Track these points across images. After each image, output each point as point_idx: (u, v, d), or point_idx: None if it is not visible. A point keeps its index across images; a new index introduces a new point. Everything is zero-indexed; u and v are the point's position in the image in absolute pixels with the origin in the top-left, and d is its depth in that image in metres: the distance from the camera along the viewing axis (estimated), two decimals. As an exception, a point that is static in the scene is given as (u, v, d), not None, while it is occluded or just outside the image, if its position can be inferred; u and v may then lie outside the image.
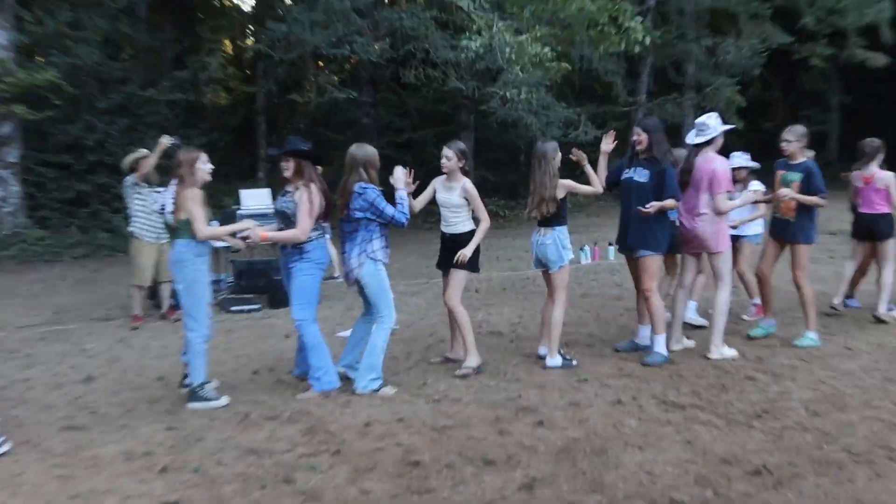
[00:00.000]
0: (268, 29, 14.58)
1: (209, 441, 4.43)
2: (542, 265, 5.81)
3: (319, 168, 5.42)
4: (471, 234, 5.67)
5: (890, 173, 6.92)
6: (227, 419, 4.83)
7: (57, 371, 6.19)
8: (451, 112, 22.44)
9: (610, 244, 11.88)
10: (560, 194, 5.65)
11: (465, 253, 5.56)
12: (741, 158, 7.09)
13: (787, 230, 6.32)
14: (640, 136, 5.82)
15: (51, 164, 16.49)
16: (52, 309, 9.41)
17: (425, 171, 20.99)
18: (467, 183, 5.62)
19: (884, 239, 6.96)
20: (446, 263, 5.77)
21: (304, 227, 5.12)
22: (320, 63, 17.91)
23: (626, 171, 5.93)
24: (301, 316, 5.22)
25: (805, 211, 6.22)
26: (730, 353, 5.88)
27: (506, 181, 20.08)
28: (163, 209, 5.23)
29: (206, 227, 5.05)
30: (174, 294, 8.58)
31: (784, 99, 25.75)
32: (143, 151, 8.69)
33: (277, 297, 8.65)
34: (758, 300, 7.06)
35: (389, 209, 5.22)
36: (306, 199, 5.10)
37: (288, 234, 5.17)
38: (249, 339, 7.21)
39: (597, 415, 4.65)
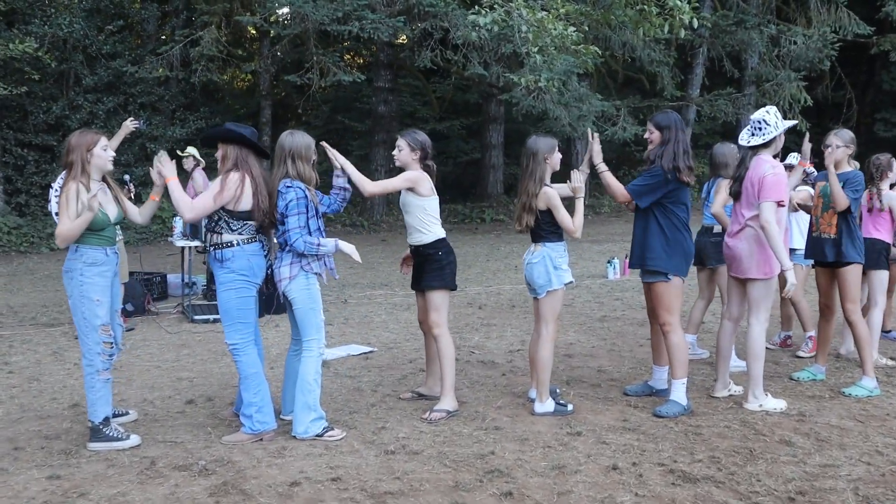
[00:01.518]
0: (267, 1, 14.04)
1: (92, 498, 3.81)
2: (532, 290, 5.12)
3: (264, 162, 4.79)
4: (437, 243, 5.02)
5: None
6: (128, 466, 4.22)
7: (-40, 390, 5.67)
8: (480, 102, 21.83)
9: (608, 261, 11.15)
10: (541, 206, 4.94)
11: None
12: (796, 159, 6.36)
13: (827, 249, 5.70)
14: (651, 134, 5.11)
15: (31, 146, 16.20)
16: (0, 309, 8.98)
17: (451, 166, 20.48)
18: (414, 170, 4.97)
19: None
20: (417, 281, 5.13)
21: (192, 204, 4.51)
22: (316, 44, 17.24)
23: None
24: (233, 340, 4.60)
25: (845, 225, 5.60)
26: (775, 404, 5.12)
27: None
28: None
29: (66, 224, 4.33)
30: (126, 298, 8.10)
31: (857, 98, 24.56)
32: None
33: (273, 303, 8.10)
34: (814, 332, 6.34)
35: (294, 225, 4.53)
36: (218, 182, 4.49)
37: (179, 195, 4.52)
38: (200, 358, 6.64)
39: (583, 485, 3.95)
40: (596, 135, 5.25)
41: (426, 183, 4.99)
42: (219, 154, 4.63)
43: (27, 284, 11.44)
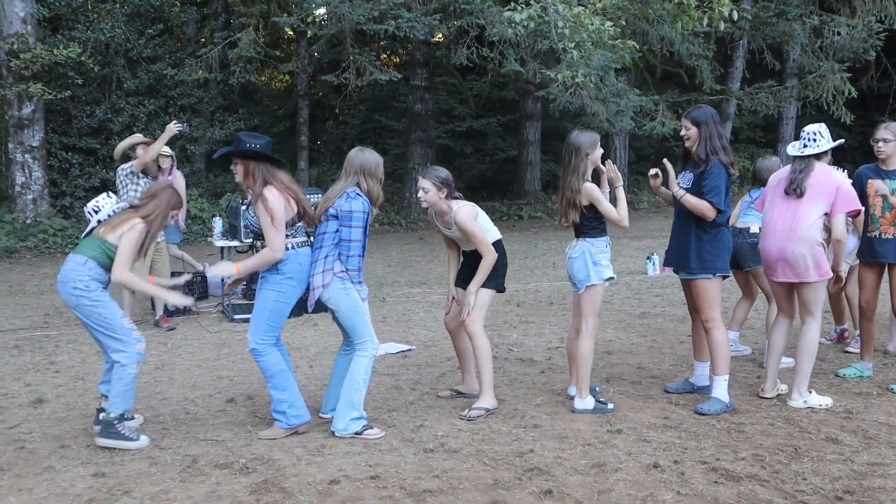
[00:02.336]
0: (304, 2, 14.12)
1: (135, 496, 3.87)
2: (573, 284, 5.08)
3: (282, 169, 4.78)
4: (494, 244, 5.02)
5: None
6: (170, 464, 4.28)
7: (8, 390, 5.77)
8: (517, 98, 21.74)
9: (647, 258, 11.04)
10: (584, 202, 4.89)
11: (469, 296, 4.96)
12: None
13: (885, 250, 5.57)
14: (688, 131, 5.04)
15: (75, 149, 16.49)
16: (46, 310, 9.15)
17: (488, 163, 20.40)
18: (458, 214, 4.91)
19: None
20: (467, 280, 5.12)
21: (274, 243, 4.48)
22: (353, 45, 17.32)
23: (679, 178, 5.17)
24: (256, 341, 4.59)
25: None
26: (821, 401, 5.03)
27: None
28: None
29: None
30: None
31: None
32: (139, 137, 8.32)
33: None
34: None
35: (356, 235, 4.59)
36: (264, 210, 4.46)
37: (259, 259, 4.54)
38: (240, 357, 6.69)
39: (624, 483, 3.90)
40: (669, 166, 5.21)
41: (475, 210, 5.02)
42: (238, 170, 4.60)
43: (72, 285, 11.65)
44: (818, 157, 5.05)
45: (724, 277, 5.09)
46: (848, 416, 4.86)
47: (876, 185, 5.60)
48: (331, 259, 4.60)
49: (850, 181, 5.36)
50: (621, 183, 5.04)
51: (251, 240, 4.88)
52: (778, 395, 5.25)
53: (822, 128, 5.08)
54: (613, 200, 4.93)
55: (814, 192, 4.93)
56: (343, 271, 4.61)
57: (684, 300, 5.72)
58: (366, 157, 4.71)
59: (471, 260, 5.15)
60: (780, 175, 5.20)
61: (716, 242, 4.97)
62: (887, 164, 5.53)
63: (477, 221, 4.99)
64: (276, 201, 4.48)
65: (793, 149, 5.16)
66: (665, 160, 5.28)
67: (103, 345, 4.64)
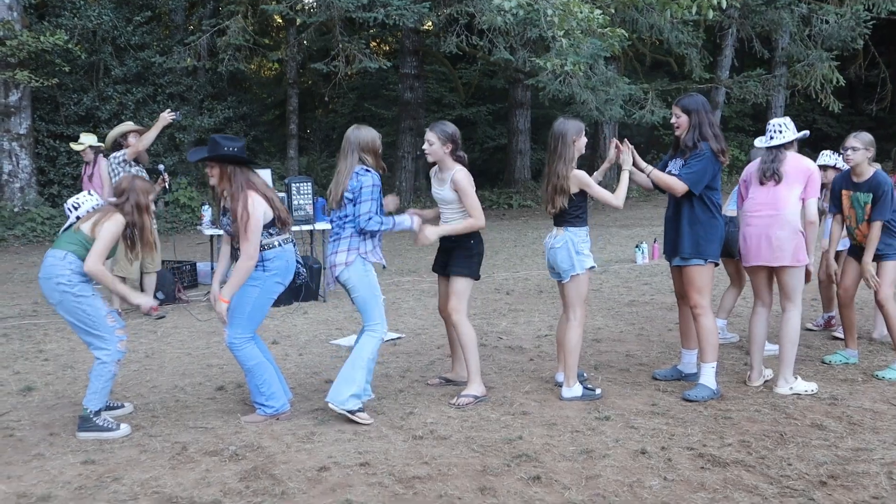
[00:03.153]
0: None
1: (125, 483, 3.88)
2: (556, 273, 5.10)
3: (259, 173, 4.80)
4: (471, 234, 5.01)
5: None
6: (160, 452, 4.28)
7: (-3, 377, 5.77)
8: (507, 87, 21.72)
9: (636, 246, 11.06)
10: (573, 189, 4.91)
11: (428, 234, 4.87)
12: (831, 158, 6.29)
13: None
14: (678, 119, 5.06)
15: (63, 137, 16.38)
16: (34, 298, 9.11)
17: (478, 152, 20.32)
18: (458, 173, 4.91)
19: None
20: (443, 266, 5.13)
21: (248, 250, 4.48)
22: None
23: (669, 165, 5.19)
24: (234, 336, 4.62)
25: (886, 230, 5.55)
26: (806, 386, 5.08)
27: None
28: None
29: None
30: (157, 286, 8.21)
31: (892, 77, 24.05)
32: (130, 125, 8.28)
33: (301, 290, 8.41)
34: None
35: (366, 210, 4.60)
36: (243, 213, 4.46)
37: (238, 275, 4.52)
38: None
39: (611, 469, 3.93)
40: (626, 143, 5.15)
41: (472, 180, 4.99)
42: (213, 173, 4.59)
43: (61, 274, 11.61)
44: (786, 146, 5.13)
45: (716, 265, 5.12)
46: (833, 402, 4.91)
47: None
48: (356, 240, 4.68)
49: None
50: (630, 167, 5.07)
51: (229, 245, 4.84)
52: (764, 381, 5.29)
53: (786, 120, 5.19)
54: (604, 186, 4.97)
55: (791, 178, 5.01)
56: (367, 252, 4.69)
57: (673, 288, 5.75)
58: (362, 133, 4.75)
59: (448, 243, 5.11)
60: (751, 168, 5.27)
61: (709, 228, 4.99)
62: (858, 174, 5.54)
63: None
64: (256, 206, 4.49)
65: (760, 142, 5.34)
66: (625, 140, 5.28)
67: (84, 341, 4.64)
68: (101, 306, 4.60)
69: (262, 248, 4.59)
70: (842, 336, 6.31)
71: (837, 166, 6.19)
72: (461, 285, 5.03)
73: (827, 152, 6.39)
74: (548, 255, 5.10)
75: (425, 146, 4.98)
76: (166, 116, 7.85)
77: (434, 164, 5.05)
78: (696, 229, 5.00)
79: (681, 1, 9.66)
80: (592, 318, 7.39)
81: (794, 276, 5.03)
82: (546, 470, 3.94)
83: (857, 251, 5.71)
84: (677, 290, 5.38)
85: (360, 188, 4.61)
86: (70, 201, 4.86)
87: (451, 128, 4.97)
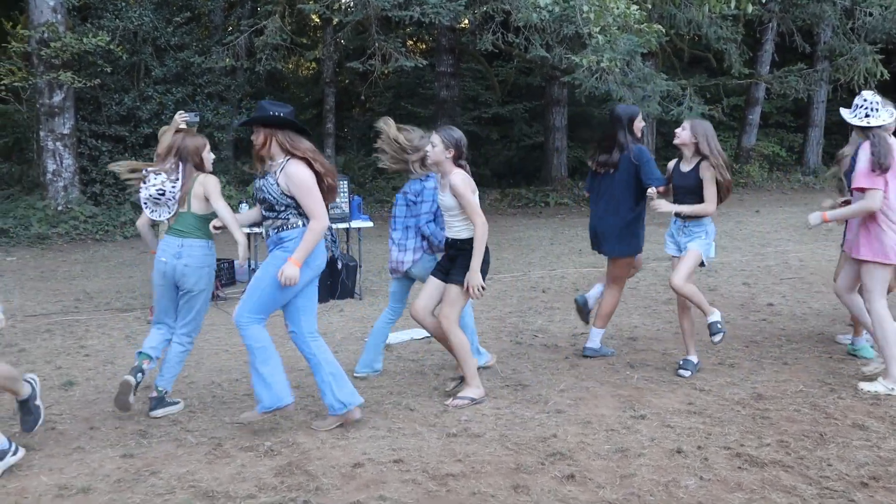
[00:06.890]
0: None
1: (163, 477, 3.93)
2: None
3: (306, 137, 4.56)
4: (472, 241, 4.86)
5: None
6: (195, 446, 4.34)
7: (40, 372, 5.86)
8: (543, 84, 21.60)
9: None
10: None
11: (472, 279, 4.77)
12: None
13: None
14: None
15: (105, 137, 16.64)
16: (77, 295, 9.28)
17: (515, 150, 20.16)
18: (454, 177, 4.75)
19: None
20: (446, 273, 4.99)
21: (315, 210, 4.32)
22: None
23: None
24: (242, 315, 4.42)
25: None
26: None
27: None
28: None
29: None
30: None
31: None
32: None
33: (338, 288, 8.66)
34: None
35: (427, 210, 5.28)
36: (299, 179, 4.31)
37: (308, 239, 4.34)
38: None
39: (647, 468, 3.90)
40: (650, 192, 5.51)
41: (473, 185, 4.88)
42: (257, 139, 4.43)
43: (102, 271, 11.77)
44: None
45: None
46: (876, 402, 4.81)
47: None
48: (420, 239, 5.20)
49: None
50: (665, 209, 5.43)
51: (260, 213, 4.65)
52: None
53: (878, 97, 5.00)
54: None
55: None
56: (429, 248, 5.24)
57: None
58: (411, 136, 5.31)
59: (451, 249, 4.99)
60: (862, 155, 4.98)
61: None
62: None
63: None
64: (299, 171, 4.34)
65: (849, 115, 5.06)
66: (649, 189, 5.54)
67: (184, 331, 4.91)
68: None
69: (287, 227, 4.42)
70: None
71: None
72: (456, 293, 4.89)
73: None
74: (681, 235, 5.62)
75: (428, 147, 4.89)
76: (178, 119, 7.82)
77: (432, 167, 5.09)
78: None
79: (720, -5, 9.53)
80: (629, 316, 7.33)
81: (863, 271, 5.14)
82: (580, 468, 3.91)
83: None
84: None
85: (423, 189, 5.26)
86: (153, 191, 4.76)
87: (457, 134, 4.85)
